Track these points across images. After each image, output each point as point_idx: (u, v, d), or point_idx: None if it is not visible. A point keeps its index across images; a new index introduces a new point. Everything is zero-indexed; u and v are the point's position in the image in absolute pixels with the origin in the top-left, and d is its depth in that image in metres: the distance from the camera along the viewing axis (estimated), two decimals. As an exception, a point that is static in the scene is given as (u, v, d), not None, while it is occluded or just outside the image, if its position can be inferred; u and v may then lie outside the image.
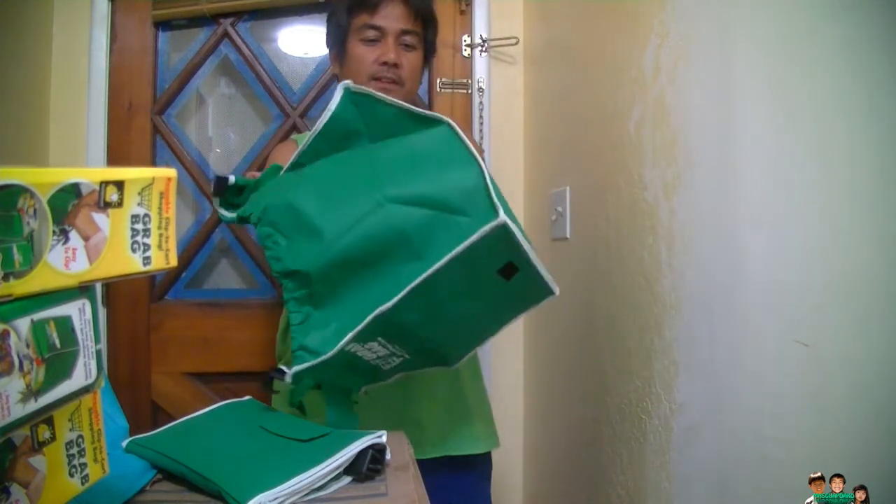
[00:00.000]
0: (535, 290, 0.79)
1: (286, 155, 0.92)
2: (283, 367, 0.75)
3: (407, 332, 0.76)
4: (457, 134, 0.75)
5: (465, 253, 0.67)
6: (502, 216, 0.66)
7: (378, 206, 0.74)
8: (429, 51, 1.21)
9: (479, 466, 1.20)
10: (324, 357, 0.74)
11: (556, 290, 0.79)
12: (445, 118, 0.77)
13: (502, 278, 0.73)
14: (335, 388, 0.81)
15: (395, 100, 0.81)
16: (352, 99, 0.83)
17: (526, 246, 0.70)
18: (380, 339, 0.75)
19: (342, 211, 0.77)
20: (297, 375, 0.75)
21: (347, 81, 0.84)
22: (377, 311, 0.71)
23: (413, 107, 0.80)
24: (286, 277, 0.78)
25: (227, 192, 0.84)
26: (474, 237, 0.66)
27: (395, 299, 0.70)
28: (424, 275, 0.68)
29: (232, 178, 0.83)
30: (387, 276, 0.72)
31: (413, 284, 0.69)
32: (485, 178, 0.70)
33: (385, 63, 1.12)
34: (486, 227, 0.66)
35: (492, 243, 0.68)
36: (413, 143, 0.78)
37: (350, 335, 0.72)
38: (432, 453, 1.08)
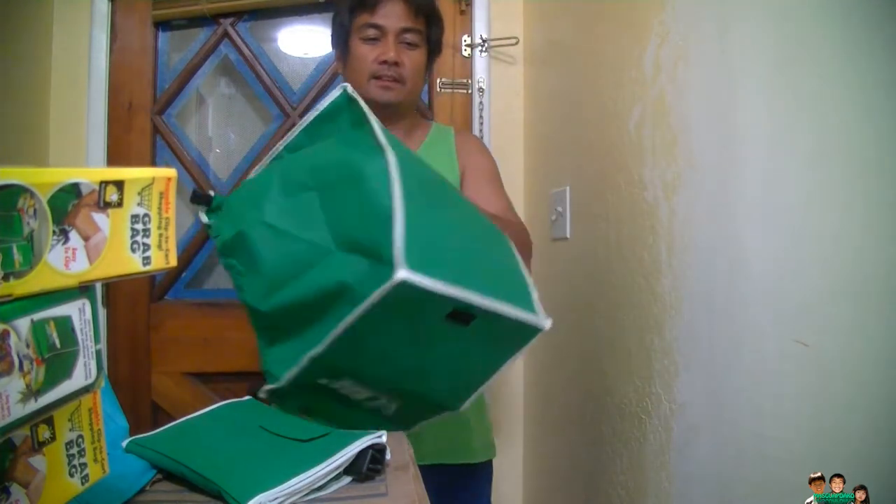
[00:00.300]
0: (517, 330, 0.75)
1: None
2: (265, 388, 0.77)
3: (367, 376, 0.75)
4: (388, 176, 0.70)
5: (375, 311, 0.65)
6: (400, 274, 0.62)
7: (324, 253, 0.72)
8: (433, 49, 1.20)
9: (478, 472, 1.20)
10: (277, 385, 0.75)
11: (545, 324, 0.75)
12: (389, 155, 0.72)
13: (459, 325, 0.70)
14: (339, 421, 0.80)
15: (374, 123, 0.78)
16: (347, 101, 0.82)
17: (461, 293, 0.66)
18: (348, 379, 0.75)
19: (289, 251, 0.76)
20: (270, 394, 0.77)
21: (347, 84, 0.84)
22: (310, 354, 0.71)
23: (379, 132, 0.76)
24: (247, 307, 0.79)
25: (208, 207, 0.84)
26: (371, 299, 0.65)
27: (323, 346, 0.70)
28: (339, 328, 0.68)
29: (211, 193, 0.84)
30: (330, 319, 0.70)
31: (333, 335, 0.68)
32: (391, 230, 0.65)
33: (385, 62, 1.12)
34: (380, 289, 0.64)
35: (402, 300, 0.65)
36: (361, 175, 0.73)
37: (291, 371, 0.73)
38: (428, 461, 1.08)
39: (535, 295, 0.78)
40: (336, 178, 0.76)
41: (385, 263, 0.64)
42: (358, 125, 0.80)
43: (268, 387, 0.76)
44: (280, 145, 0.86)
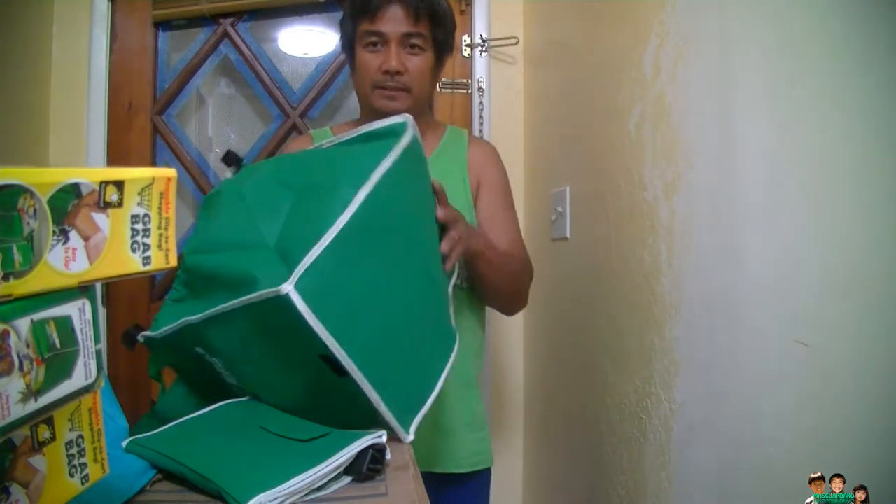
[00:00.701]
0: (380, 420, 0.72)
1: (300, 149, 0.93)
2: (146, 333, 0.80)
3: (235, 369, 0.76)
4: (345, 207, 0.70)
5: (253, 311, 0.66)
6: (284, 287, 0.62)
7: (262, 246, 0.72)
8: (441, 50, 1.15)
9: (468, 483, 1.17)
10: (152, 333, 0.78)
11: (404, 439, 0.73)
12: (363, 191, 0.71)
13: (333, 372, 0.69)
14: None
15: (393, 158, 0.78)
16: (403, 128, 0.82)
17: (332, 344, 0.65)
18: (220, 360, 0.76)
19: (238, 225, 0.77)
20: (145, 339, 0.80)
21: (409, 116, 0.84)
22: (186, 319, 0.72)
23: (382, 170, 0.75)
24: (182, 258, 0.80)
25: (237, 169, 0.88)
26: (251, 296, 0.65)
27: (199, 317, 0.71)
28: (217, 308, 0.69)
29: (245, 161, 0.86)
30: (226, 301, 0.71)
31: (210, 312, 0.70)
32: (309, 251, 0.66)
33: (387, 72, 1.08)
34: (262, 292, 0.64)
35: (279, 315, 0.64)
36: (332, 195, 0.73)
37: (167, 328, 0.75)
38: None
39: (423, 409, 0.77)
40: (316, 185, 0.77)
41: (286, 275, 0.65)
42: (386, 149, 0.79)
43: (146, 332, 0.79)
44: (329, 142, 0.89)
